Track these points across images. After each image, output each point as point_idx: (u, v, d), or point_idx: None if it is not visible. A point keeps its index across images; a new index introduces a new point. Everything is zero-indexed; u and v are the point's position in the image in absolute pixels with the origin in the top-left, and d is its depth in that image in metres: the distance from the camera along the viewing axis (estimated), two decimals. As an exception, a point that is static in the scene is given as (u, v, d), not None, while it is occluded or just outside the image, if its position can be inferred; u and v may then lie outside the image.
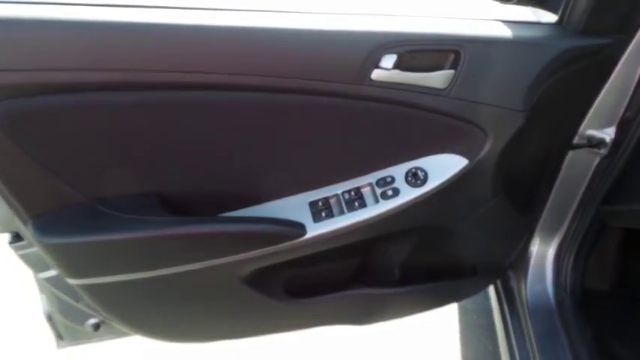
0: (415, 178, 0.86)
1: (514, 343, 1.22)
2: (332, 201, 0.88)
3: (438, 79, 0.77)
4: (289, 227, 0.84)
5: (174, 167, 0.80)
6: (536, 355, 1.12)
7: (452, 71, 0.76)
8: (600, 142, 1.01)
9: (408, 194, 0.85)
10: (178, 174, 0.81)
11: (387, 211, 0.85)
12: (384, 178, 0.87)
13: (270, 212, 0.87)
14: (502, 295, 1.34)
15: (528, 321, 1.21)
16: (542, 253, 1.25)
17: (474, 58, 0.76)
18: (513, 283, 1.31)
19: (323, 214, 0.86)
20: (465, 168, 0.85)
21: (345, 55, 0.73)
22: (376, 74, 0.74)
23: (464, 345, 1.67)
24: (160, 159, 0.78)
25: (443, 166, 0.85)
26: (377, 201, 0.86)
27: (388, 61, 0.73)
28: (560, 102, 0.89)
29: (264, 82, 0.72)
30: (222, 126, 0.77)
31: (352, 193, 0.87)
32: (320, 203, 0.87)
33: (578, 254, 1.20)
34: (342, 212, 0.86)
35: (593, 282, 1.27)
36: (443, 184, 0.85)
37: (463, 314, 1.78)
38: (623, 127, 0.96)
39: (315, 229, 0.85)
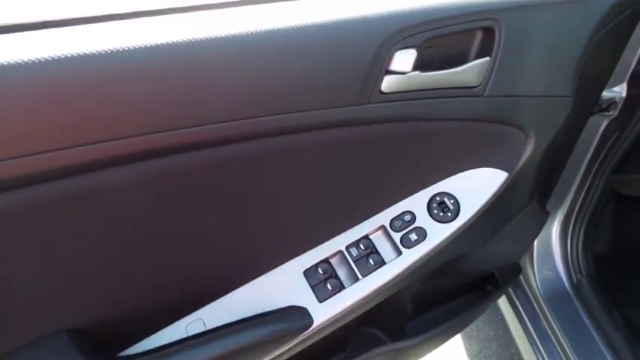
0: (443, 209, 0.62)
1: (533, 333, 1.08)
2: (334, 261, 0.62)
3: (468, 73, 0.52)
4: (286, 323, 0.57)
5: (88, 280, 0.48)
6: (564, 344, 1.00)
7: (485, 59, 0.52)
8: (610, 104, 0.85)
9: (438, 234, 0.62)
10: (96, 290, 0.49)
11: (415, 263, 0.62)
12: (400, 217, 0.62)
13: (250, 301, 0.59)
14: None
15: (544, 308, 1.08)
16: (546, 231, 1.10)
17: (513, 36, 0.52)
18: None
19: (329, 287, 0.60)
20: (503, 183, 0.63)
21: (338, 65, 0.45)
22: (387, 83, 0.48)
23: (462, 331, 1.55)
24: (59, 272, 0.46)
25: (476, 187, 0.63)
26: (398, 252, 0.61)
27: (401, 60, 0.47)
28: (593, 66, 0.69)
29: (216, 131, 0.43)
30: (158, 201, 0.47)
31: (361, 245, 0.62)
32: (320, 270, 0.61)
33: (587, 230, 1.07)
34: (353, 277, 0.61)
35: (600, 249, 1.16)
36: (479, 210, 0.63)
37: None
38: (635, 83, 0.80)
39: (322, 313, 0.59)
